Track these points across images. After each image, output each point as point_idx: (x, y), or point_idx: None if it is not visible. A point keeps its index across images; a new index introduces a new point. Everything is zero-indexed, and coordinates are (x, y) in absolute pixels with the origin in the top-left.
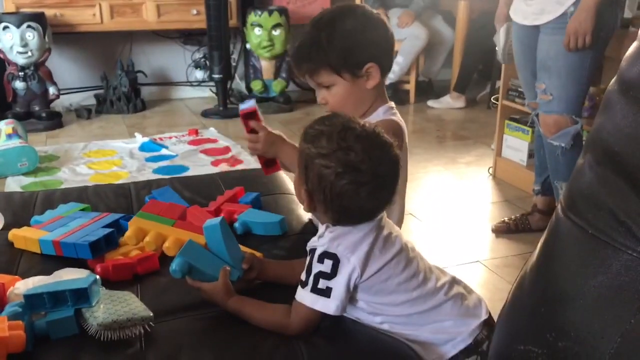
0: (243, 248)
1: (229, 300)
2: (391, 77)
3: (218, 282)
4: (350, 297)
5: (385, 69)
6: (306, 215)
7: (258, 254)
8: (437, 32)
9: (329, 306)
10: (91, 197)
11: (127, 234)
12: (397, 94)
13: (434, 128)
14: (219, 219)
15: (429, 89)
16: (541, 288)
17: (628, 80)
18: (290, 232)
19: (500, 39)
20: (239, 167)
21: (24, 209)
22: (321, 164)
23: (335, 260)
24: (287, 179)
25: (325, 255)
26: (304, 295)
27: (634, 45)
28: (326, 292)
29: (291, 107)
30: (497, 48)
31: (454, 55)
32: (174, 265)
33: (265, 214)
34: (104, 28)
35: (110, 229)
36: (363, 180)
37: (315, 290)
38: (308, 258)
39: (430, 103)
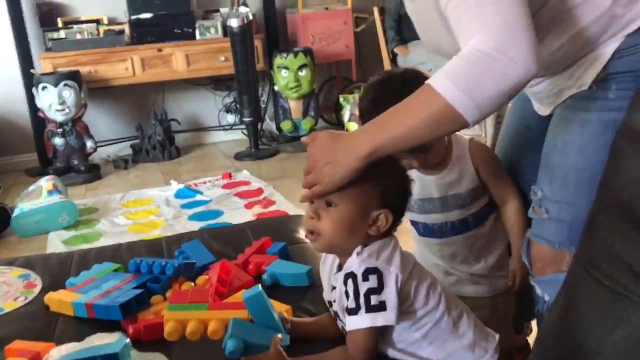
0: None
1: None
2: None
3: (271, 351)
4: None
5: None
6: None
7: (286, 307)
8: None
9: (390, 317)
10: (125, 254)
11: (167, 330)
12: None
13: None
14: (258, 288)
15: None
16: (563, 341)
17: (636, 128)
18: (318, 282)
19: None
20: (272, 208)
21: (60, 270)
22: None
23: (379, 274)
24: None
25: (368, 271)
26: (360, 320)
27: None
28: (381, 307)
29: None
30: None
31: None
32: (230, 347)
33: (293, 265)
34: (137, 80)
35: (141, 290)
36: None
37: (370, 309)
38: (349, 284)
39: None
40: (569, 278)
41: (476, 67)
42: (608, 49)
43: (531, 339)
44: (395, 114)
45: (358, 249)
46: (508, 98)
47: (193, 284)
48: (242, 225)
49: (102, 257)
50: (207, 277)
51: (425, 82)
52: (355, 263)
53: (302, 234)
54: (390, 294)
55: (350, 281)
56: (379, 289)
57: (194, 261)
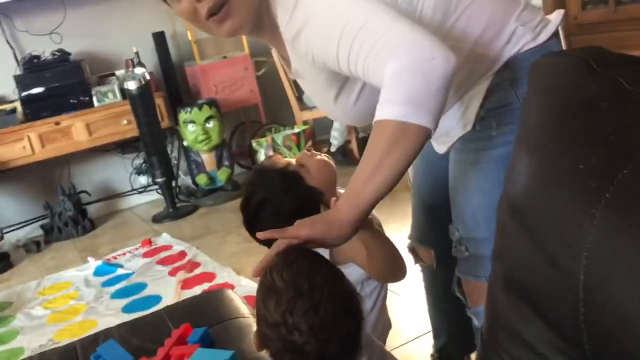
0: None
1: None
2: (335, 143)
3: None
4: None
5: None
6: None
7: None
8: None
9: None
10: None
11: None
12: (345, 155)
13: None
14: None
15: None
16: None
17: (514, 203)
18: None
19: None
20: (197, 270)
21: None
22: (265, 332)
23: None
24: (235, 298)
25: None
26: None
27: (513, 160)
28: None
29: (241, 193)
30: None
31: None
32: None
33: (215, 353)
34: (37, 158)
35: None
36: None
37: None
38: None
39: None
40: (480, 357)
41: (404, 81)
42: (481, 88)
43: None
44: (363, 157)
45: None
46: (446, 91)
47: None
48: (160, 313)
49: None
50: None
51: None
52: None
53: (223, 311)
54: None
55: None
56: None
57: None
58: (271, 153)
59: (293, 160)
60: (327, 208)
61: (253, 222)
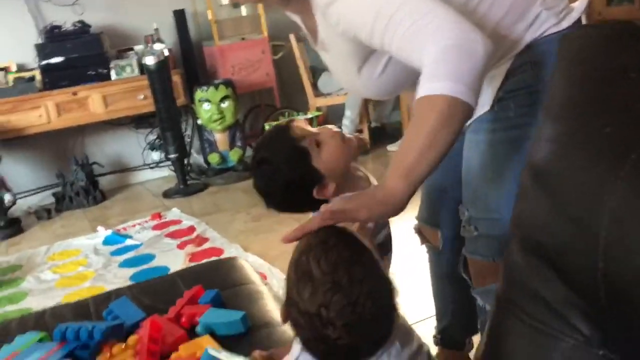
0: None
1: None
2: (346, 132)
3: None
4: None
5: None
6: (269, 305)
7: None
8: None
9: None
10: (50, 321)
11: None
12: None
13: None
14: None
15: (382, 134)
16: None
17: (536, 165)
18: (254, 327)
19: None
20: (206, 245)
21: None
22: (296, 318)
23: None
24: (246, 265)
25: None
26: None
27: (538, 130)
28: None
29: (251, 174)
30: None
31: (402, 97)
32: None
33: (226, 312)
34: (53, 127)
35: None
36: (335, 353)
37: None
38: None
39: (390, 147)
40: (493, 319)
41: (454, 59)
42: (501, 69)
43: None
44: (410, 133)
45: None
46: (485, 74)
47: (124, 345)
48: (172, 275)
49: (25, 326)
50: (138, 336)
51: (416, 99)
52: None
53: (235, 277)
54: None
55: None
56: None
57: (122, 322)
58: None
59: (314, 130)
60: (321, 190)
61: (254, 174)
